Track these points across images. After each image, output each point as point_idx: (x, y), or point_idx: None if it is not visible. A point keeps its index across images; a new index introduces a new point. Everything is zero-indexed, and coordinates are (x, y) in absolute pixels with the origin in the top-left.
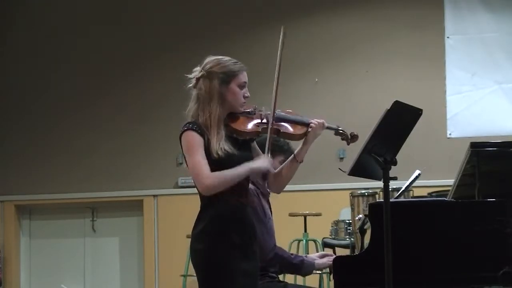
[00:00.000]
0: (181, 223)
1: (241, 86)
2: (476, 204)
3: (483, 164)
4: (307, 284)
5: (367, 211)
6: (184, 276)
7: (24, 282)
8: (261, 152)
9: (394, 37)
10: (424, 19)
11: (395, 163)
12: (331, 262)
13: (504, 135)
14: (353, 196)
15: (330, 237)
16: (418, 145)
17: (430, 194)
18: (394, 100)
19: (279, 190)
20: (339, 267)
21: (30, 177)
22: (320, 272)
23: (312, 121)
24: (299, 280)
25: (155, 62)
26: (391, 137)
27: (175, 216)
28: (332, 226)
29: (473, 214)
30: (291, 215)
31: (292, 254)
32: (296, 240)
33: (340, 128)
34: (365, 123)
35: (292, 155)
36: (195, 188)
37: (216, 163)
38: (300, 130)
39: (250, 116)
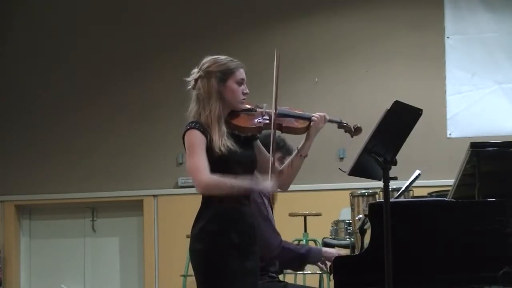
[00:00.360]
0: (181, 223)
1: (239, 83)
2: (476, 204)
3: (483, 164)
4: (307, 284)
5: (367, 211)
6: (184, 276)
7: (24, 282)
8: (266, 151)
9: (394, 37)
10: (424, 19)
11: (395, 163)
12: (339, 253)
13: (504, 135)
14: (353, 196)
15: (330, 237)
16: (418, 145)
17: (430, 194)
18: (394, 100)
19: (285, 186)
20: (339, 267)
21: (30, 177)
22: (320, 272)
23: (313, 114)
24: (299, 280)
25: (155, 62)
26: (391, 137)
27: (175, 216)
28: (332, 226)
29: (473, 214)
30: (291, 215)
31: (297, 244)
32: (296, 240)
33: (343, 121)
34: (365, 123)
35: (296, 151)
36: (195, 188)
37: (219, 160)
38: (302, 124)
39: (251, 113)
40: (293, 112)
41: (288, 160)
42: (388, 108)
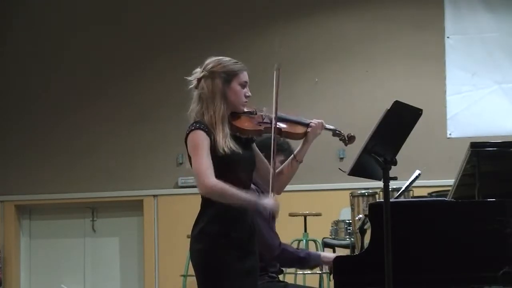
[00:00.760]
0: (181, 223)
1: (242, 86)
2: (476, 204)
3: (483, 164)
4: (307, 284)
5: (367, 211)
6: (184, 276)
7: (24, 282)
8: (260, 153)
9: (394, 37)
10: (424, 19)
11: (395, 163)
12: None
13: (504, 135)
14: (353, 196)
15: (330, 237)
16: (418, 145)
17: (430, 194)
18: (394, 100)
19: (279, 190)
20: (339, 267)
21: (30, 177)
22: (320, 272)
23: (311, 121)
24: (299, 280)
25: (155, 62)
26: (391, 137)
27: (175, 216)
28: (332, 226)
29: (473, 214)
30: (291, 215)
31: (297, 249)
32: (296, 240)
33: (337, 129)
34: (365, 123)
35: (292, 155)
36: (196, 188)
37: (222, 160)
38: (301, 129)
39: (251, 115)
40: (291, 117)
41: (284, 163)
42: (388, 108)
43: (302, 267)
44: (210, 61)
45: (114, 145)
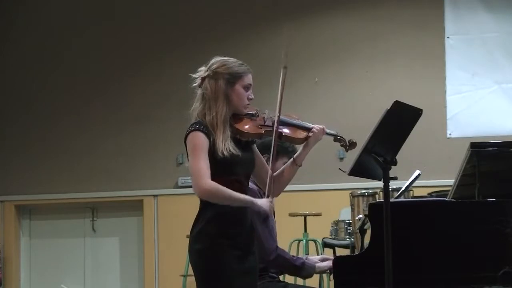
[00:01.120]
0: (181, 223)
1: (246, 88)
2: (476, 204)
3: (483, 164)
4: (307, 284)
5: (367, 211)
6: (184, 276)
7: (24, 282)
8: (260, 155)
9: (394, 37)
10: (424, 19)
11: (395, 163)
12: (332, 265)
13: (504, 135)
14: (353, 196)
15: (330, 237)
16: (418, 145)
17: (430, 194)
18: (394, 100)
19: (277, 192)
20: (339, 267)
21: (30, 177)
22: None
23: (313, 126)
24: (299, 280)
25: (155, 62)
26: (391, 137)
27: (175, 216)
28: (332, 226)
29: (473, 214)
30: (291, 215)
31: (293, 256)
32: (296, 240)
33: (339, 135)
34: (365, 123)
35: (292, 158)
36: (194, 191)
37: (221, 163)
38: (302, 134)
39: (253, 118)
40: (293, 121)
41: (281, 167)
42: (388, 108)
43: (295, 275)
44: (215, 61)
45: (114, 145)
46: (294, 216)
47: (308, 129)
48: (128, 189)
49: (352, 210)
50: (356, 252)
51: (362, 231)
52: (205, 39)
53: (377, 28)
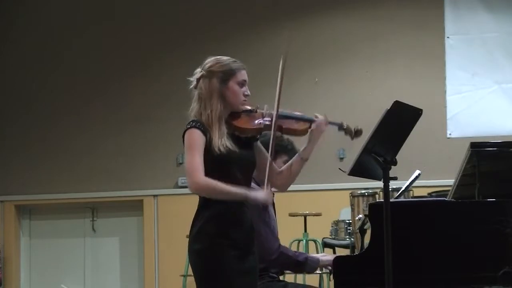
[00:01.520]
0: (181, 223)
1: (241, 85)
2: (476, 204)
3: (483, 164)
4: (307, 284)
5: (367, 211)
6: (184, 276)
7: (24, 282)
8: (266, 152)
9: (394, 37)
10: (424, 19)
11: (395, 163)
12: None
13: (504, 135)
14: (353, 196)
15: (330, 237)
16: (418, 145)
17: (430, 194)
18: (394, 100)
19: (284, 188)
20: (339, 267)
21: (30, 177)
22: (320, 272)
23: (314, 118)
24: (299, 280)
25: (155, 62)
26: (391, 137)
27: (175, 216)
28: (332, 226)
29: (473, 214)
30: (291, 215)
31: (295, 252)
32: (296, 240)
33: (344, 124)
34: (365, 123)
35: (297, 153)
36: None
37: (218, 159)
38: (303, 126)
39: (251, 114)
40: (293, 114)
41: (289, 161)
42: (388, 108)
43: (300, 271)
44: (209, 60)
45: (114, 145)
46: (294, 216)
47: (309, 121)
48: (128, 189)
49: (352, 210)
50: (356, 252)
51: (362, 231)
52: (205, 39)
53: (377, 28)
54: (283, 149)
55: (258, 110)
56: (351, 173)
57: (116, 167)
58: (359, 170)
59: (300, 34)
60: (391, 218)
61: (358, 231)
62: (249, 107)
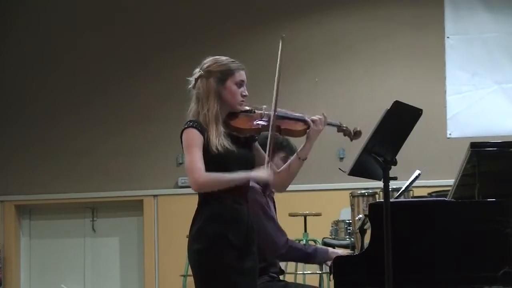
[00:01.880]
0: (181, 223)
1: (238, 85)
2: (476, 204)
3: (483, 164)
4: (307, 284)
5: (367, 211)
6: (184, 276)
7: (24, 282)
8: (264, 153)
9: (394, 37)
10: (424, 19)
11: (395, 163)
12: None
13: (504, 135)
14: (353, 196)
15: (330, 237)
16: (418, 145)
17: (430, 194)
18: (394, 100)
19: (282, 188)
20: (339, 267)
21: (30, 177)
22: (320, 272)
23: (312, 117)
24: (299, 280)
25: (155, 62)
26: (391, 137)
27: (175, 216)
28: (332, 226)
29: (473, 214)
30: (291, 215)
31: (304, 244)
32: (296, 240)
33: (343, 125)
34: (365, 123)
35: (295, 153)
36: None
37: (215, 159)
38: (301, 126)
39: (250, 114)
40: (292, 114)
41: (287, 162)
42: (388, 108)
43: (309, 262)
44: (207, 60)
45: (114, 145)
46: (294, 216)
47: (307, 121)
48: (128, 189)
49: (352, 210)
50: (356, 252)
51: (362, 231)
52: (205, 39)
53: (377, 28)
54: (279, 146)
55: (256, 111)
56: (351, 173)
57: (116, 167)
58: (359, 170)
59: (300, 34)
60: (391, 218)
61: (358, 231)
62: (247, 108)
